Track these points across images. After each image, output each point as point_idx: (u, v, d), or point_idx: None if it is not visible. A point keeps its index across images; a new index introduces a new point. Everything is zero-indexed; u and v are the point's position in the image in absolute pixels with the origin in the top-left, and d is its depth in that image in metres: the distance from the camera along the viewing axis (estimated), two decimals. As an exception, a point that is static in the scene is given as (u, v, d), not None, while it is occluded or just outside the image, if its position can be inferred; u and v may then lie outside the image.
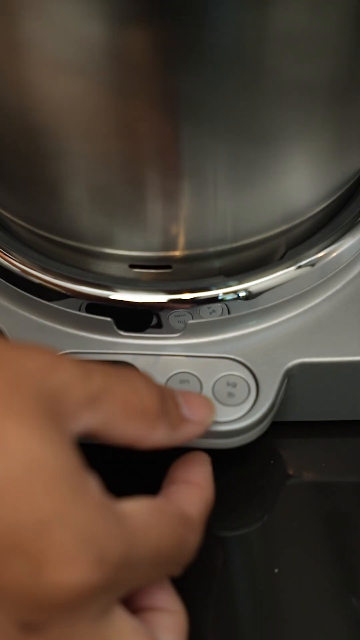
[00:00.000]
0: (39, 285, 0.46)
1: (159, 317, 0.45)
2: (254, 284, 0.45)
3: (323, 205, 0.45)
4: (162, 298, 0.45)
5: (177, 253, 0.44)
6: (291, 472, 0.47)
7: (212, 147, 0.38)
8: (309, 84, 0.37)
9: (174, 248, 0.44)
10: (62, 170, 0.40)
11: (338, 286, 0.46)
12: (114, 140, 0.38)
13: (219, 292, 0.45)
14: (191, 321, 0.45)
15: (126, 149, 0.38)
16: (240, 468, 0.47)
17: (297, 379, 0.45)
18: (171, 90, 0.36)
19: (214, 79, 0.36)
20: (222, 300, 0.45)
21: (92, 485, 0.33)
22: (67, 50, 0.35)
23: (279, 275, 0.45)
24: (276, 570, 0.44)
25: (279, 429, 0.46)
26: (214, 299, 0.45)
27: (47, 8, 0.34)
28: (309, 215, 0.45)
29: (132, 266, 0.45)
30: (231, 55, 0.35)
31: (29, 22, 0.34)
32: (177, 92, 0.36)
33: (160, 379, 0.44)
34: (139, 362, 0.45)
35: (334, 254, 0.46)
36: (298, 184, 0.42)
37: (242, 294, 0.45)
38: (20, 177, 0.42)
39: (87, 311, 0.45)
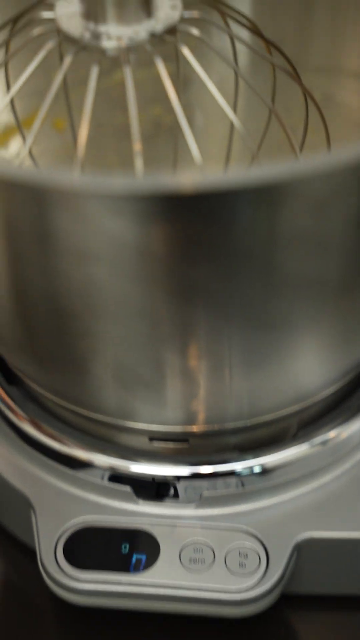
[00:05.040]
0: (65, 454, 0.47)
1: (176, 488, 0.47)
2: (268, 460, 0.46)
3: (333, 388, 0.47)
4: (180, 471, 0.46)
5: (194, 428, 0.46)
6: (300, 644, 0.48)
7: (227, 331, 0.40)
8: (316, 279, 0.39)
9: (192, 423, 0.45)
10: (87, 349, 0.42)
11: (348, 465, 0.48)
12: (136, 323, 0.40)
13: (234, 467, 0.46)
14: (206, 493, 0.46)
15: (147, 331, 0.40)
16: (250, 639, 0.47)
17: (306, 552, 0.46)
18: (188, 280, 0.38)
19: (227, 271, 0.38)
20: (237, 474, 0.46)
21: None
22: (94, 242, 0.37)
23: (292, 453, 0.47)
24: None
25: (289, 601, 0.47)
26: (229, 473, 0.46)
27: (78, 204, 0.37)
28: (320, 396, 0.47)
29: (152, 439, 0.46)
30: (243, 250, 0.37)
31: (60, 216, 0.37)
32: (194, 281, 0.38)
33: (176, 548, 0.46)
34: (156, 530, 0.46)
35: (344, 435, 0.47)
36: (309, 367, 0.43)
37: (256, 469, 0.46)
38: (49, 353, 0.44)
39: (109, 480, 0.47)
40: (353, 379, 0.48)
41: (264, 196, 0.35)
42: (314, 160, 0.34)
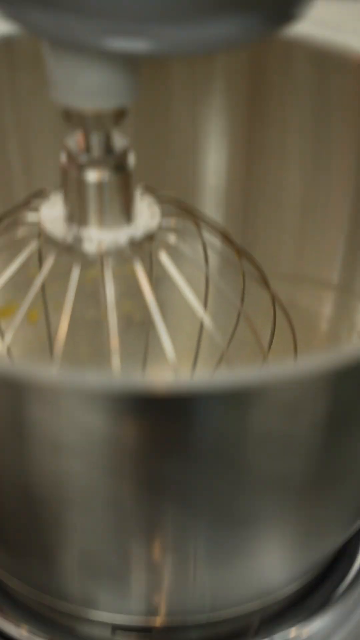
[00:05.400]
0: (27, 643, 0.48)
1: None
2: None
3: (295, 585, 0.48)
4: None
5: (157, 620, 0.46)
6: None
7: (194, 525, 0.41)
8: (281, 478, 0.40)
9: (155, 615, 0.46)
10: (56, 538, 0.43)
11: (308, 663, 0.49)
12: (105, 514, 0.41)
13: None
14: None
15: (116, 523, 0.41)
16: None
17: None
18: (158, 475, 0.39)
19: (197, 467, 0.39)
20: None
21: None
22: (68, 434, 0.38)
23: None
24: None
25: None
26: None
27: (55, 399, 0.38)
28: (282, 593, 0.47)
29: (114, 629, 0.47)
30: (213, 448, 0.38)
31: (36, 409, 0.38)
32: (163, 477, 0.39)
33: None
34: None
35: (306, 633, 0.48)
36: (271, 564, 0.44)
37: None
38: (15, 539, 0.45)
39: None
40: (314, 577, 0.49)
41: (233, 399, 0.37)
42: (282, 368, 0.36)
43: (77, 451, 0.39)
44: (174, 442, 0.38)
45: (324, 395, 0.38)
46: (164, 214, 0.44)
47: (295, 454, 0.40)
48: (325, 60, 0.54)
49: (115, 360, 0.41)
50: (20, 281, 0.51)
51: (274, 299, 0.48)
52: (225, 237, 0.49)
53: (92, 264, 0.46)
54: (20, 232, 0.45)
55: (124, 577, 0.44)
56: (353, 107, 0.54)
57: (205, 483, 0.40)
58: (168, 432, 0.38)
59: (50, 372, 0.37)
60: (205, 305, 0.52)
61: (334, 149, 0.56)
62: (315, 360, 0.36)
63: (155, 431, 0.38)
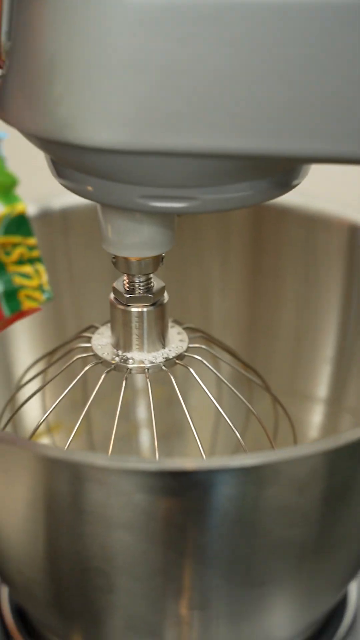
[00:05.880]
0: None
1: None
2: None
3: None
4: None
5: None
6: None
7: (216, 583, 0.48)
8: (292, 543, 0.48)
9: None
10: (108, 604, 0.49)
11: None
12: (151, 578, 0.48)
13: None
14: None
15: (159, 581, 0.48)
16: None
17: None
18: (191, 540, 0.46)
19: (220, 532, 0.46)
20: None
21: None
22: (121, 510, 0.45)
23: None
24: None
25: None
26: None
27: (110, 476, 0.44)
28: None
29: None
30: (233, 517, 0.46)
31: (96, 491, 0.45)
32: (194, 541, 0.47)
33: None
34: None
35: None
36: (279, 617, 0.52)
37: None
38: (71, 607, 0.51)
39: None
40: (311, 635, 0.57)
41: (249, 475, 0.45)
42: (289, 449, 0.45)
43: (128, 525, 0.46)
44: (199, 510, 0.45)
45: (324, 472, 0.46)
46: (189, 339, 0.55)
47: (299, 522, 0.47)
48: (312, 223, 0.66)
49: (157, 454, 0.52)
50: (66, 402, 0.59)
51: (274, 401, 0.58)
52: (234, 356, 0.60)
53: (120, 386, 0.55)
54: (77, 357, 0.55)
55: (162, 632, 0.50)
56: (336, 259, 0.66)
57: (226, 545, 0.47)
58: (194, 494, 0.45)
59: (104, 457, 0.45)
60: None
61: (321, 292, 0.67)
62: (317, 443, 0.45)
63: (185, 504, 0.45)
